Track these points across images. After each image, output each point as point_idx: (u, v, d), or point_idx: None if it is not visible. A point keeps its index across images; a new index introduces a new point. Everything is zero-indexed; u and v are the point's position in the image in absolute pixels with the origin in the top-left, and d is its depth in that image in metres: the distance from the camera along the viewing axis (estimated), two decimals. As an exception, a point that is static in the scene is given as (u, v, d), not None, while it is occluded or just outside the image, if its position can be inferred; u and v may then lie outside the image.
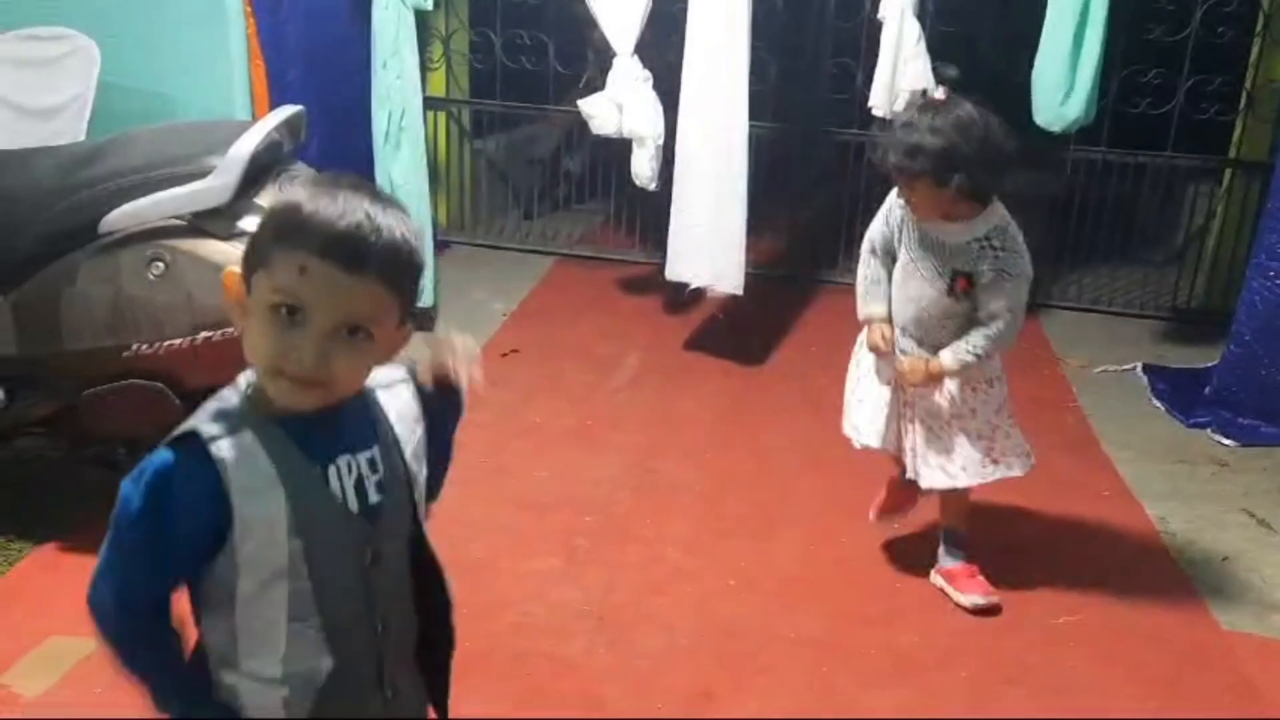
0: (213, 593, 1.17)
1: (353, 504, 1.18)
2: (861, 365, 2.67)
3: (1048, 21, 3.87)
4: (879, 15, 3.94)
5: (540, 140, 5.88)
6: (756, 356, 4.12)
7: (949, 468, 2.55)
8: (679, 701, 2.25)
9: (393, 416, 1.25)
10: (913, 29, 3.90)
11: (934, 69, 3.11)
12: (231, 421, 1.14)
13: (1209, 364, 3.92)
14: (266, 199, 2.46)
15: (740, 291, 3.94)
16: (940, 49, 4.04)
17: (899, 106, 4.04)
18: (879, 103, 4.02)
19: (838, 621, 2.54)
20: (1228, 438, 3.58)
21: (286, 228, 1.09)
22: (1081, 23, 3.80)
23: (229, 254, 2.39)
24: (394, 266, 1.11)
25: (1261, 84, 4.47)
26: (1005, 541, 2.90)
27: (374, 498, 1.20)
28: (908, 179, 2.35)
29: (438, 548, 1.30)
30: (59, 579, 2.53)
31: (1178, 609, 2.65)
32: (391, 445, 1.24)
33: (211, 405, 1.17)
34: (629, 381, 3.91)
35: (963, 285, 2.42)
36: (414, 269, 1.15)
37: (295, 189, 1.13)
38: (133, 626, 1.19)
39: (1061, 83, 3.88)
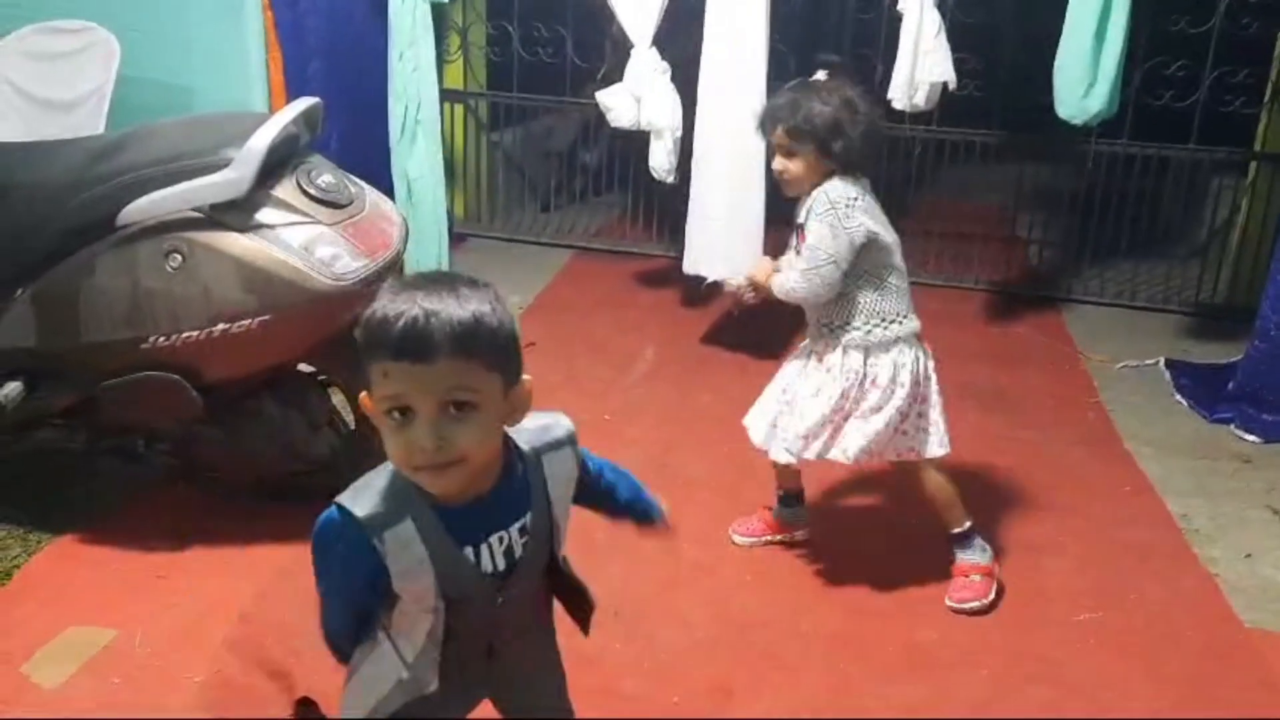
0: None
1: (499, 566, 1.38)
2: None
3: (1070, 13, 3.83)
4: (899, 7, 3.91)
5: (557, 133, 5.87)
6: (774, 350, 4.09)
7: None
8: (696, 696, 2.24)
9: (552, 480, 1.42)
10: (933, 21, 3.87)
11: (816, 58, 3.11)
12: (390, 508, 1.31)
13: (1233, 359, 3.87)
14: (283, 191, 2.46)
15: (758, 285, 3.92)
16: (961, 41, 4.01)
17: (919, 99, 4.01)
18: (898, 95, 3.99)
19: (856, 617, 2.53)
20: (1251, 434, 3.54)
21: (367, 342, 1.25)
22: (1104, 15, 3.77)
23: (246, 246, 2.40)
24: (461, 341, 1.22)
25: (1287, 76, 4.42)
26: (1025, 538, 2.88)
27: (518, 556, 1.39)
28: (791, 146, 2.44)
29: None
30: (78, 570, 2.54)
31: (1200, 606, 2.62)
32: (545, 507, 1.41)
33: (374, 485, 1.34)
34: (646, 375, 3.89)
35: (801, 238, 2.48)
36: (490, 335, 1.25)
37: (369, 312, 1.26)
38: (336, 644, 1.49)
39: (1084, 75, 3.84)
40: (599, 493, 1.58)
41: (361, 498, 1.32)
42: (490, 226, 5.49)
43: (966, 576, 2.59)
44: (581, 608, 1.60)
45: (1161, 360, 4.13)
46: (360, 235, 2.52)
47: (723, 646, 2.40)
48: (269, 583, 2.51)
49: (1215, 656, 2.44)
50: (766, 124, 2.50)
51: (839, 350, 2.50)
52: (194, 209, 2.39)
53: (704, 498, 3.04)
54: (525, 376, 1.32)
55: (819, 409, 2.50)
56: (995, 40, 5.75)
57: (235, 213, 2.40)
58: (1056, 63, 3.90)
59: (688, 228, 4.05)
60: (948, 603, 2.56)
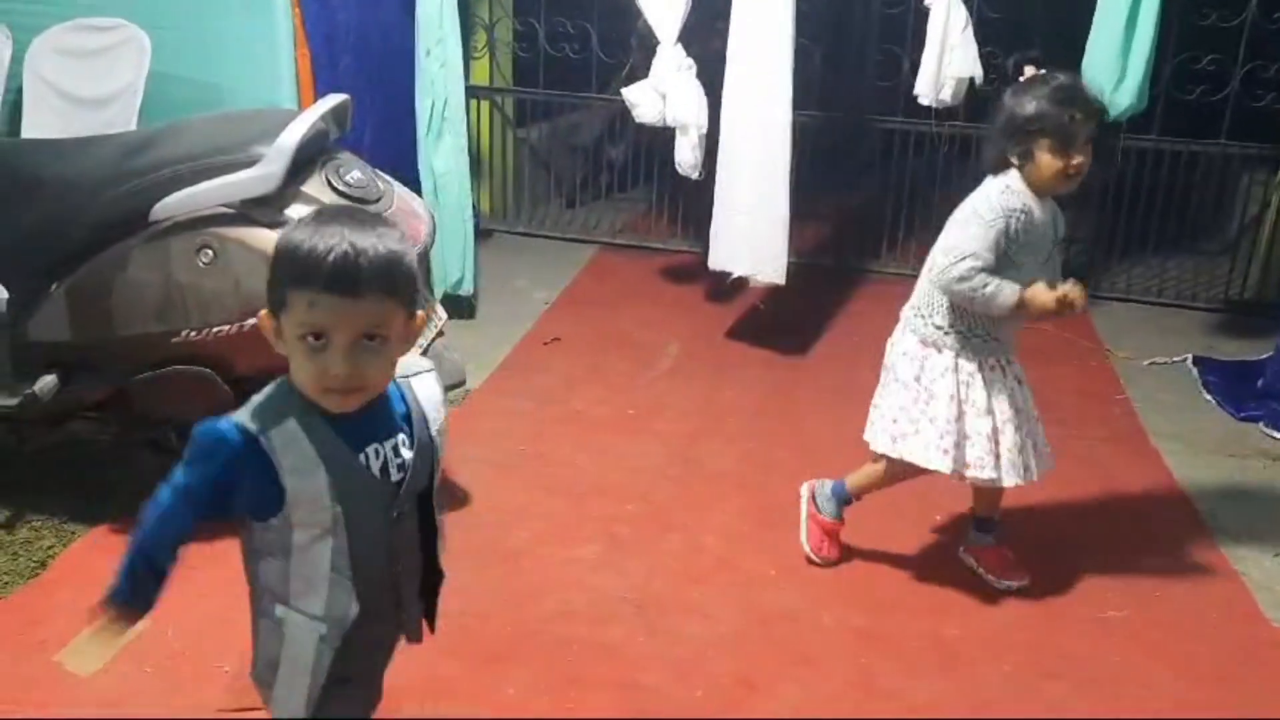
0: (272, 543, 1.41)
1: (391, 474, 1.43)
2: (971, 399, 2.48)
3: (1099, 8, 3.80)
4: (926, 2, 3.90)
5: (583, 128, 5.88)
6: (799, 346, 4.10)
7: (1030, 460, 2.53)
8: (719, 690, 2.25)
9: (422, 399, 1.48)
10: (960, 16, 3.86)
11: (1017, 57, 3.03)
12: (276, 415, 1.36)
13: (1261, 356, 3.84)
14: (313, 187, 2.49)
15: (782, 281, 3.93)
16: (988, 36, 3.99)
17: (945, 95, 4.00)
18: (924, 91, 3.98)
19: (879, 612, 2.53)
20: (1279, 431, 3.51)
21: (291, 270, 1.30)
22: (1134, 9, 3.74)
23: (276, 241, 2.42)
24: (385, 279, 1.31)
25: (1320, 70, 4.37)
26: (1051, 534, 2.87)
27: (396, 474, 1.43)
28: (1078, 141, 2.35)
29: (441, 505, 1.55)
30: (111, 560, 2.55)
31: (1226, 604, 2.61)
32: (419, 423, 1.46)
33: (256, 400, 1.39)
34: (670, 370, 3.91)
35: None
36: (406, 274, 1.34)
37: (290, 232, 1.33)
38: (152, 541, 1.46)
39: (1113, 70, 3.81)
40: None
41: (245, 410, 1.38)
42: (516, 222, 5.51)
43: (1006, 559, 2.65)
44: (430, 576, 1.58)
45: (1189, 357, 4.10)
46: (388, 230, 2.54)
47: (745, 641, 2.41)
48: (298, 574, 2.54)
49: (1241, 655, 2.43)
50: (1080, 121, 2.34)
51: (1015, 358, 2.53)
52: (225, 204, 2.43)
53: (728, 492, 3.05)
54: (419, 310, 1.40)
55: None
56: (1023, 35, 5.72)
57: (265, 208, 2.43)
58: (1085, 58, 3.87)
59: (713, 224, 4.05)
60: (1001, 586, 2.61)
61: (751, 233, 3.92)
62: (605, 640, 2.38)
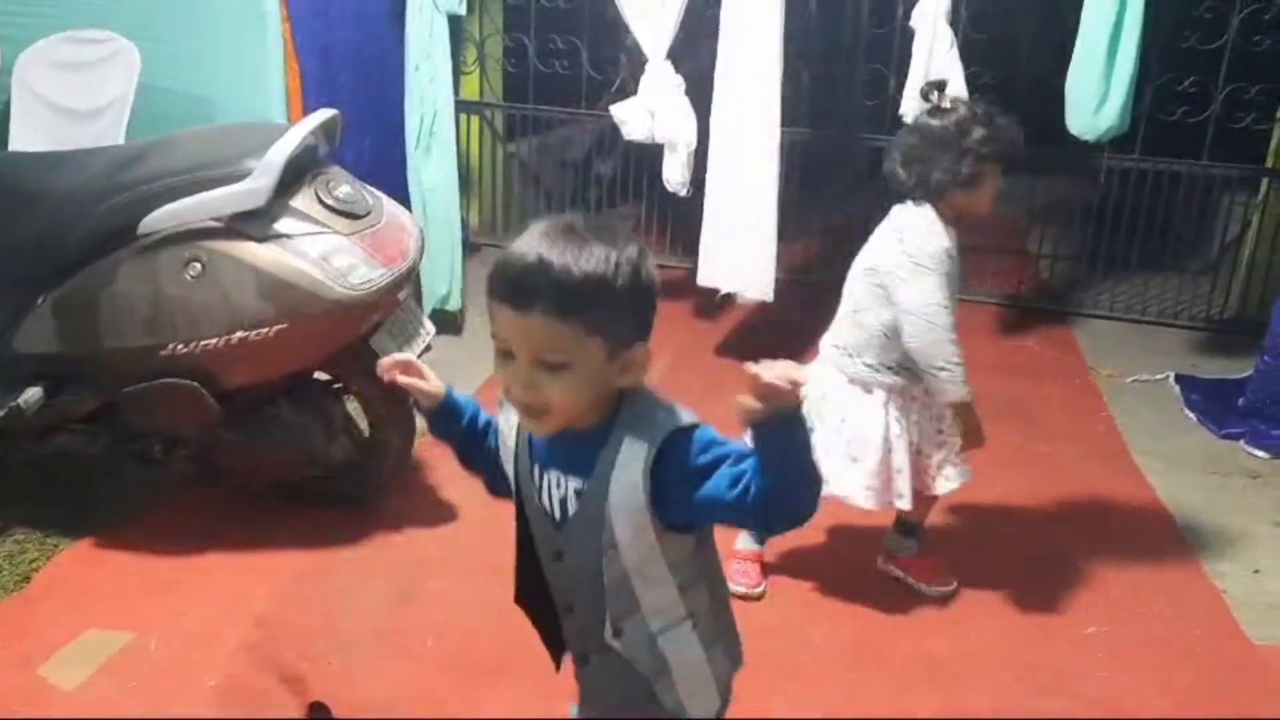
0: None
1: (555, 513, 1.36)
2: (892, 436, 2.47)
3: (1082, 29, 3.85)
4: (911, 22, 3.94)
5: (573, 144, 5.90)
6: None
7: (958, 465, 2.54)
8: None
9: (619, 460, 1.28)
10: (945, 36, 3.89)
11: (925, 85, 3.13)
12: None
13: (1243, 375, 3.88)
14: (301, 202, 2.50)
15: (770, 298, 3.95)
16: (973, 56, 4.03)
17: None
18: (910, 110, 4.00)
19: (867, 627, 2.54)
20: (1261, 449, 3.54)
21: (490, 274, 1.25)
22: (1116, 31, 3.78)
23: (264, 256, 2.43)
24: (561, 297, 1.18)
25: (1299, 93, 4.43)
26: (1035, 551, 2.89)
27: (570, 510, 1.34)
28: (1002, 170, 2.37)
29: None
30: (97, 573, 2.57)
31: (1208, 621, 2.63)
32: (598, 485, 1.29)
33: None
34: (659, 385, 3.91)
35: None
36: (595, 299, 1.19)
37: (510, 244, 1.26)
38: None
39: (1095, 91, 3.86)
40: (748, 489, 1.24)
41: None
42: (506, 237, 5.46)
43: (933, 566, 2.68)
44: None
45: (1171, 375, 4.14)
46: (377, 245, 2.55)
47: (733, 656, 2.41)
48: (285, 587, 2.54)
49: (1222, 671, 2.45)
50: (991, 147, 2.35)
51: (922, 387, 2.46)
52: (214, 218, 2.44)
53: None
54: (641, 341, 1.27)
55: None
56: (1008, 56, 5.78)
57: (254, 222, 2.44)
58: (1069, 79, 3.92)
59: (702, 240, 4.07)
60: (933, 593, 2.63)
61: (740, 249, 3.94)
62: (592, 655, 2.38)
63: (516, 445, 1.39)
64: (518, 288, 1.20)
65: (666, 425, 1.30)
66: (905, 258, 2.36)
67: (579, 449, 1.30)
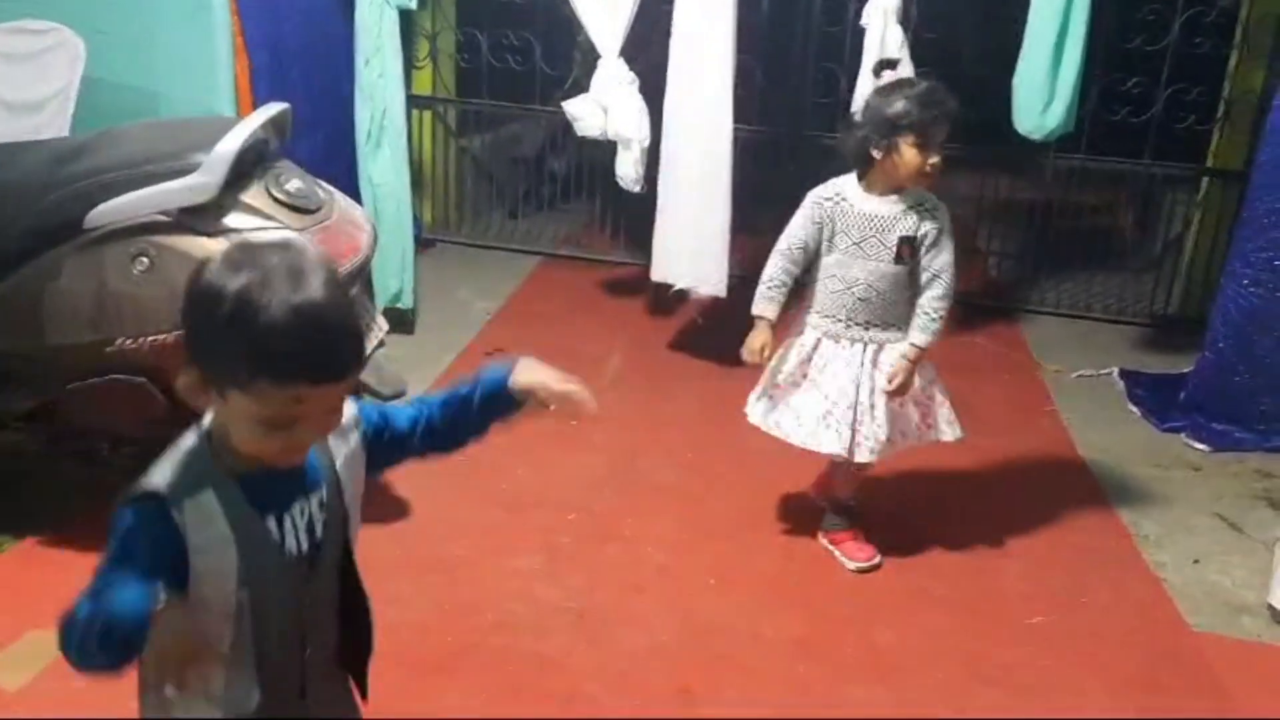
0: (169, 620, 1.20)
1: (303, 546, 1.27)
2: (812, 377, 2.70)
3: (1029, 30, 3.91)
4: (862, 22, 3.98)
5: (526, 140, 5.89)
6: (740, 359, 4.14)
7: (892, 435, 2.68)
8: (659, 699, 2.27)
9: (340, 461, 1.32)
10: (895, 35, 3.93)
11: (876, 62, 3.25)
12: (191, 480, 1.20)
13: (1184, 370, 3.97)
14: (252, 196, 2.47)
15: (724, 293, 3.97)
16: (923, 56, 4.08)
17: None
18: (861, 108, 4.04)
19: (816, 620, 2.57)
20: (1201, 442, 3.63)
21: (254, 356, 1.11)
22: (1062, 32, 3.84)
23: (213, 250, 2.38)
24: (361, 347, 1.21)
25: (1238, 94, 4.52)
26: (979, 543, 2.94)
27: (319, 535, 1.29)
28: (938, 140, 2.53)
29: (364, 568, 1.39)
30: (38, 573, 2.53)
31: (1149, 610, 2.69)
32: (333, 487, 1.31)
33: (173, 458, 1.22)
34: (612, 382, 3.92)
35: (907, 251, 2.61)
36: (362, 319, 1.19)
37: (236, 300, 1.10)
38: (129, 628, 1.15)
39: (1042, 91, 3.91)
40: (425, 428, 1.42)
41: (159, 472, 1.20)
42: (459, 232, 5.50)
43: (859, 541, 2.82)
44: (359, 646, 1.43)
45: (1116, 370, 4.22)
46: (329, 240, 2.53)
47: (685, 650, 2.43)
48: (233, 586, 2.51)
49: (1163, 659, 2.51)
50: (941, 121, 2.53)
51: (889, 350, 2.65)
52: (162, 212, 2.40)
53: (669, 503, 3.07)
54: None
55: (887, 406, 2.65)
56: (956, 56, 5.85)
57: (203, 217, 2.41)
58: (1015, 78, 3.97)
59: (655, 236, 4.08)
60: (853, 566, 2.78)
61: (693, 246, 3.96)
62: (546, 651, 2.39)
63: (234, 527, 1.20)
64: (330, 366, 1.15)
65: (349, 412, 1.33)
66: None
67: (296, 468, 1.26)
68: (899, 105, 2.52)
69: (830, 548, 2.83)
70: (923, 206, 2.62)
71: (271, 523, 1.25)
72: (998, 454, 3.47)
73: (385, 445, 1.40)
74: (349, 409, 1.32)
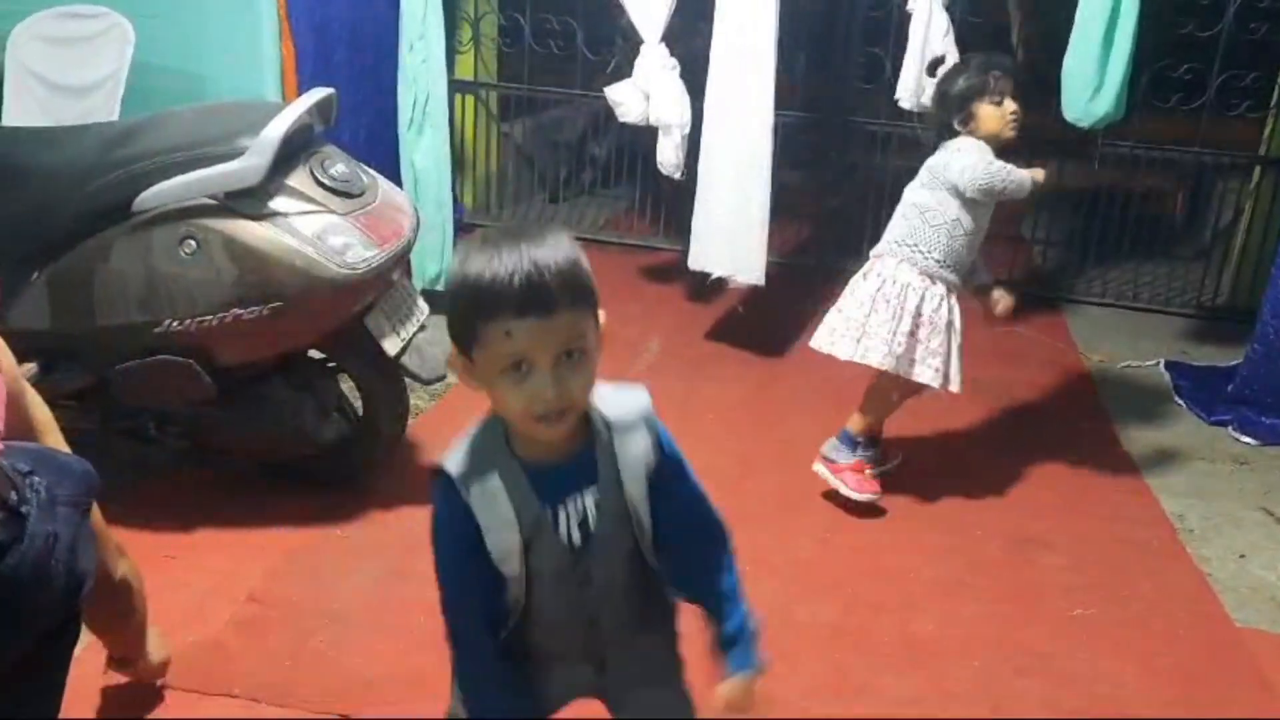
0: None
1: (576, 538, 1.36)
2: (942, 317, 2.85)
3: (1078, 17, 3.84)
4: (908, 7, 3.94)
5: (567, 125, 5.90)
6: (777, 347, 4.13)
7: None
8: (692, 685, 2.27)
9: (623, 458, 1.38)
10: (941, 22, 3.89)
11: (929, 63, 3.45)
12: (480, 459, 1.33)
13: (1233, 362, 3.90)
14: (297, 180, 2.50)
15: (761, 282, 3.96)
16: (969, 42, 4.03)
17: (926, 100, 4.03)
18: (905, 95, 4.01)
19: (853, 608, 2.57)
20: (1249, 436, 3.57)
21: (476, 304, 1.23)
22: (1113, 18, 3.77)
23: (259, 234, 2.44)
24: (575, 290, 1.25)
25: (1293, 81, 4.44)
26: (1021, 534, 2.91)
27: (592, 528, 1.36)
28: (1005, 91, 2.81)
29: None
30: (89, 549, 2.58)
31: (1192, 605, 2.66)
32: (614, 486, 1.37)
33: (464, 444, 1.35)
34: (650, 368, 3.93)
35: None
36: (590, 280, 1.28)
37: (464, 260, 1.25)
38: (458, 628, 1.41)
39: (1091, 79, 3.84)
40: (672, 526, 1.45)
41: (455, 455, 1.34)
42: (499, 217, 5.52)
43: (863, 474, 2.95)
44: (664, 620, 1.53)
45: (1161, 361, 4.16)
46: (372, 225, 2.56)
47: (721, 635, 2.43)
48: (277, 564, 2.56)
49: (1206, 654, 2.48)
50: (1000, 74, 2.80)
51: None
52: (209, 196, 2.44)
53: (705, 488, 3.07)
54: (600, 312, 1.32)
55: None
56: (1004, 41, 5.77)
57: (249, 201, 2.44)
58: (1064, 66, 3.91)
59: (693, 223, 4.07)
60: (857, 498, 2.93)
61: (731, 233, 3.95)
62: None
63: (518, 511, 1.33)
64: (538, 295, 1.22)
65: (639, 401, 1.41)
66: (954, 152, 2.84)
67: (573, 462, 1.35)
68: (960, 81, 2.82)
69: (827, 475, 2.96)
70: None
71: (548, 511, 1.34)
72: (1039, 445, 3.43)
73: (665, 481, 1.43)
74: (638, 402, 1.40)
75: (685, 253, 4.18)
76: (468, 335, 1.26)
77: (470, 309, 1.24)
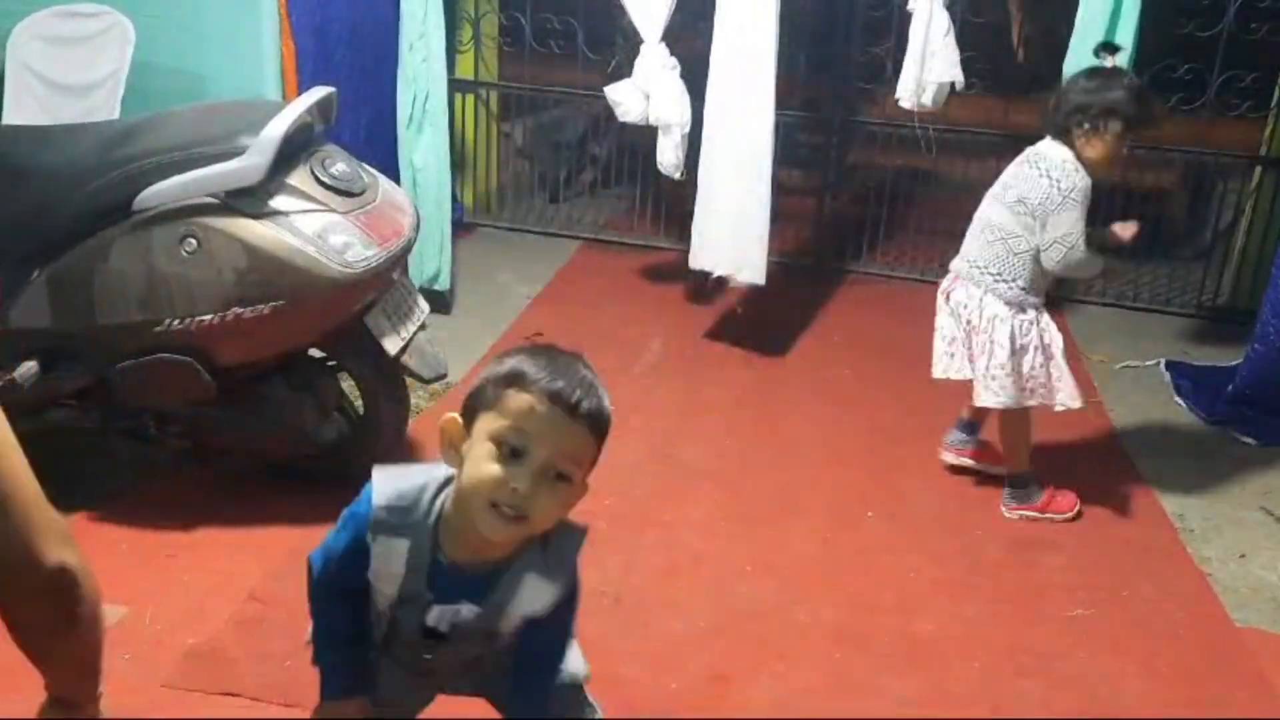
0: None
1: (441, 628, 1.43)
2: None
3: (1079, 16, 3.84)
4: (909, 6, 3.93)
5: (567, 124, 5.89)
6: (778, 346, 4.13)
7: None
8: (694, 683, 2.28)
9: (521, 599, 1.42)
10: (941, 22, 3.89)
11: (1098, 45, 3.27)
12: (401, 525, 1.40)
13: (1233, 362, 3.90)
14: (297, 179, 2.50)
15: (761, 282, 3.95)
16: (970, 41, 4.03)
17: (926, 99, 4.03)
18: (905, 95, 4.01)
19: (853, 608, 2.57)
20: (1249, 436, 3.57)
21: (518, 376, 1.31)
22: (1114, 17, 3.78)
23: (260, 233, 2.44)
24: (599, 422, 1.34)
25: (1294, 81, 4.43)
26: (1021, 534, 2.92)
27: (456, 633, 1.44)
28: (1138, 134, 2.80)
29: None
30: (89, 548, 2.51)
31: (1192, 605, 2.66)
32: (498, 615, 1.43)
33: (406, 492, 1.41)
34: (651, 367, 3.93)
35: None
36: (607, 427, 1.37)
37: (519, 356, 1.35)
38: (320, 591, 1.53)
39: (1092, 77, 3.85)
40: (525, 647, 1.52)
41: (391, 486, 1.41)
42: (499, 216, 5.52)
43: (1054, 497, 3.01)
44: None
45: (1162, 361, 4.16)
46: (372, 224, 2.56)
47: (721, 635, 2.44)
48: (278, 563, 2.55)
49: (1206, 654, 2.48)
50: (1151, 121, 2.80)
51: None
52: (209, 195, 2.43)
53: (705, 489, 3.08)
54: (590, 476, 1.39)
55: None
56: (1005, 41, 5.77)
57: (250, 199, 2.44)
58: (1065, 64, 3.91)
59: (694, 223, 4.07)
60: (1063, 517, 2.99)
61: (732, 233, 3.94)
62: (582, 634, 2.39)
63: (404, 580, 1.42)
64: (574, 398, 1.30)
65: (569, 566, 1.45)
66: (1056, 192, 2.72)
67: (480, 576, 1.41)
68: (1118, 93, 2.69)
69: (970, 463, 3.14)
70: None
71: (428, 599, 1.42)
72: (1039, 443, 3.42)
73: (548, 618, 1.46)
74: (569, 559, 1.44)
75: (685, 252, 4.18)
76: (488, 398, 1.32)
77: (509, 377, 1.31)
